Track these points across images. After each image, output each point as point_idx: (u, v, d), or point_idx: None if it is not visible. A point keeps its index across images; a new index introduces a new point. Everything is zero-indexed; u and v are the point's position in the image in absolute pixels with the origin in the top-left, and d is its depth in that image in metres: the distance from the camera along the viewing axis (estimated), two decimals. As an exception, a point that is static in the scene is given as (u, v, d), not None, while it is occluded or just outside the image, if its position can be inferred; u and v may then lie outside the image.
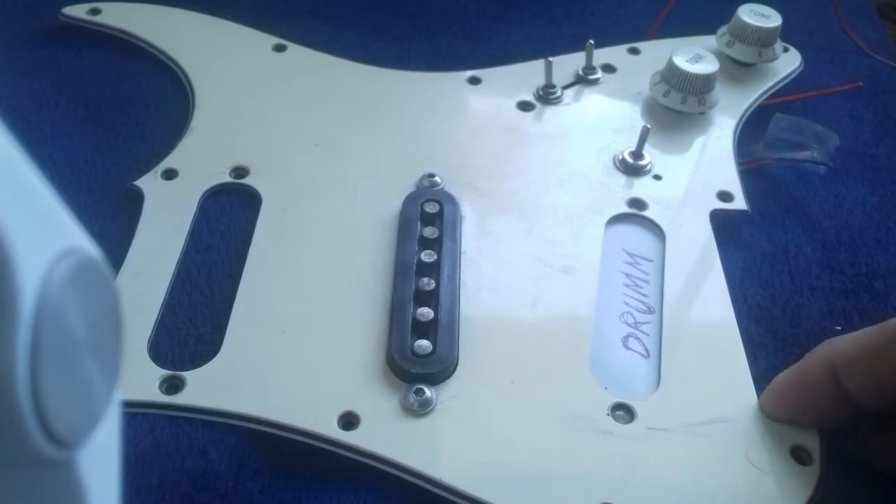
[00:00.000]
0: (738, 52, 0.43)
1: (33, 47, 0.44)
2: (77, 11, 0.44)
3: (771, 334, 0.33)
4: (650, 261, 0.34)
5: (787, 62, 0.44)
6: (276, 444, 0.28)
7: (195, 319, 0.32)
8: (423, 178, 0.36)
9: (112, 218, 0.35)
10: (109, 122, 0.40)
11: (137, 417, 0.28)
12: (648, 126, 0.37)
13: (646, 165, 0.38)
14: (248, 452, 0.28)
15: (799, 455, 0.27)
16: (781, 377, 0.29)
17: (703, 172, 0.38)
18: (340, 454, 0.27)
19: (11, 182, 0.14)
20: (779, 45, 0.43)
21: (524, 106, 0.41)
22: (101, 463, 0.17)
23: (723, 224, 0.36)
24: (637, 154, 0.38)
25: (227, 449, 0.28)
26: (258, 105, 0.40)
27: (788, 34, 0.44)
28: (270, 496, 0.27)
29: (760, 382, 0.30)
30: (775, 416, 0.28)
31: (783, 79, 0.44)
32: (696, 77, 0.39)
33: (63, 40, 0.44)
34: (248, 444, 0.28)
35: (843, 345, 0.27)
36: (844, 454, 0.28)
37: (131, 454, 0.27)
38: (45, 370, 0.14)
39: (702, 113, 0.41)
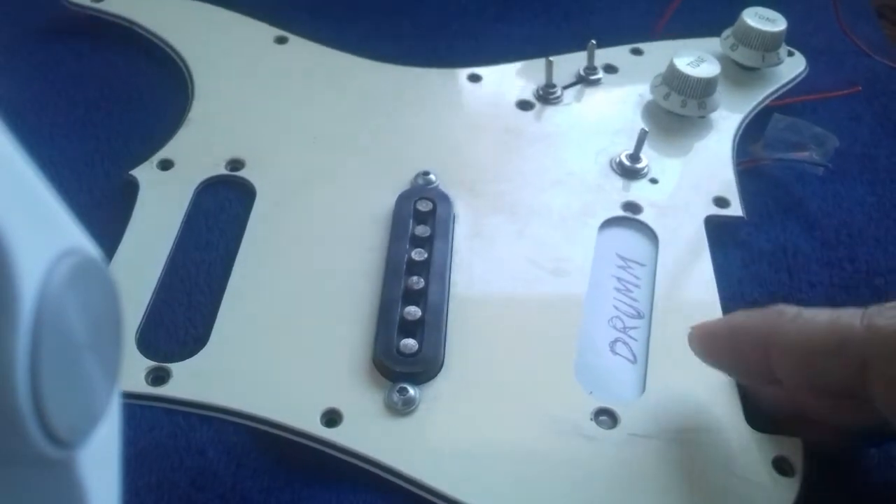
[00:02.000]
0: (742, 55, 0.42)
1: (32, 49, 0.44)
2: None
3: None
4: (642, 265, 0.34)
5: (792, 66, 0.44)
6: (275, 444, 0.28)
7: (194, 319, 0.32)
8: (418, 175, 0.36)
9: (112, 218, 0.35)
10: (109, 122, 0.40)
11: (136, 416, 0.28)
12: (646, 129, 0.37)
13: (643, 169, 0.38)
14: (246, 452, 0.28)
15: (781, 466, 0.27)
16: (721, 324, 0.28)
17: (700, 177, 0.38)
18: (325, 451, 0.28)
19: (12, 183, 0.14)
20: (783, 50, 0.43)
21: (524, 105, 0.41)
22: (100, 462, 0.17)
23: (721, 225, 0.36)
24: (634, 157, 0.38)
25: (225, 448, 0.28)
26: (257, 97, 0.40)
27: (788, 35, 0.44)
28: (269, 496, 0.27)
29: (739, 384, 0.30)
30: (698, 352, 0.28)
31: (787, 83, 0.43)
32: (697, 81, 0.39)
33: (62, 42, 0.44)
34: (246, 444, 0.28)
35: (787, 331, 0.26)
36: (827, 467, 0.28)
37: (130, 454, 0.27)
38: (45, 370, 0.14)
39: (702, 117, 0.40)
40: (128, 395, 0.28)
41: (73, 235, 0.16)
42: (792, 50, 0.44)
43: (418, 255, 0.32)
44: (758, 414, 0.29)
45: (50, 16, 0.44)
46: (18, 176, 0.14)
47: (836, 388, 0.25)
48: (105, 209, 0.36)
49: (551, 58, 0.41)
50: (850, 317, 0.24)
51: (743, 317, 0.28)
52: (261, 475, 0.28)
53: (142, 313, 0.31)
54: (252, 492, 0.27)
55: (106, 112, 0.40)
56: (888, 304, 0.24)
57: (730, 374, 0.29)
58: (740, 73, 0.43)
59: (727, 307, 0.33)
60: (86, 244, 0.16)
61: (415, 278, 0.31)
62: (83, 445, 0.16)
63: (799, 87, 0.44)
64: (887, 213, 0.38)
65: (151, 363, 0.29)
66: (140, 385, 0.29)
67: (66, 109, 0.40)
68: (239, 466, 0.28)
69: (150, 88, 0.42)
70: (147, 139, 0.39)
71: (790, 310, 0.26)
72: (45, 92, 0.41)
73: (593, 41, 0.42)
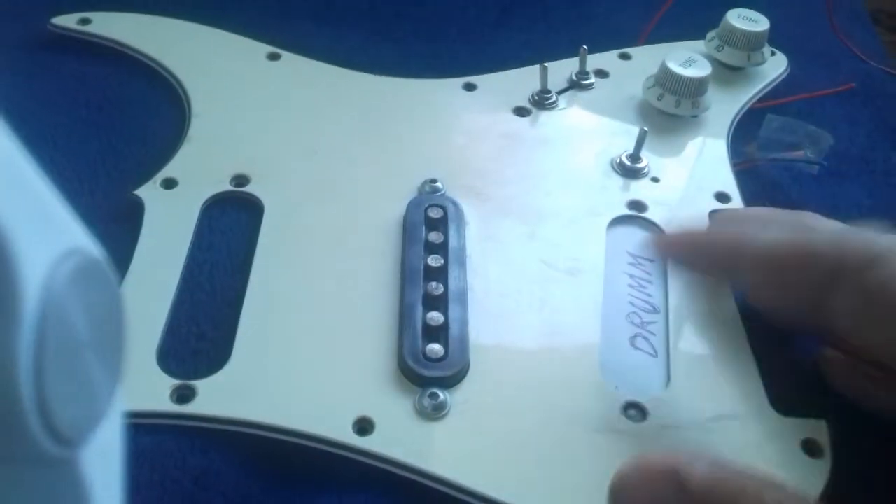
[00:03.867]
0: (728, 56, 0.43)
1: (34, 49, 0.43)
2: (67, 21, 0.43)
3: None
4: (652, 261, 0.35)
5: (775, 66, 0.45)
6: (278, 443, 0.28)
7: (197, 317, 0.31)
8: (424, 183, 0.36)
9: (114, 220, 0.35)
10: (111, 124, 0.40)
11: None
12: (646, 129, 0.38)
13: (643, 168, 0.38)
14: (249, 451, 0.28)
15: (810, 448, 0.28)
16: (691, 238, 0.33)
17: (699, 174, 0.39)
18: (353, 459, 0.27)
19: (15, 183, 0.14)
20: (766, 49, 0.44)
21: (520, 111, 0.41)
22: (103, 460, 0.17)
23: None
24: (635, 157, 0.38)
25: (228, 447, 0.28)
26: (255, 113, 0.40)
27: (783, 40, 0.44)
28: (272, 494, 0.27)
29: (761, 369, 0.30)
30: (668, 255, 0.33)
31: (771, 82, 0.44)
32: (690, 80, 0.40)
33: (64, 42, 0.44)
34: (249, 443, 0.28)
35: (755, 244, 0.29)
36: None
37: (133, 452, 0.27)
38: (48, 369, 0.14)
39: (695, 116, 0.41)
40: (154, 415, 0.28)
41: (76, 235, 0.16)
42: (774, 50, 0.45)
43: (434, 261, 0.32)
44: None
45: (51, 15, 0.44)
46: (21, 176, 0.14)
47: (798, 302, 0.28)
48: (107, 210, 0.35)
49: (545, 64, 0.41)
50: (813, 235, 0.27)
51: (710, 233, 0.31)
52: (263, 473, 0.27)
53: (159, 334, 0.30)
54: (255, 491, 0.27)
55: (108, 113, 0.40)
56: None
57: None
58: (726, 73, 0.44)
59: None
60: (88, 244, 0.16)
61: (433, 284, 0.31)
62: (86, 444, 0.16)
63: (795, 91, 0.44)
64: (884, 216, 0.39)
65: (175, 381, 0.29)
66: (165, 403, 0.28)
67: (69, 111, 0.40)
68: (242, 464, 0.27)
69: (151, 89, 0.41)
70: (149, 142, 0.39)
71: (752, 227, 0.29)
72: (47, 93, 0.41)
73: (584, 47, 0.42)
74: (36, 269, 0.14)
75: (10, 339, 0.13)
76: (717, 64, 0.43)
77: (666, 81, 0.40)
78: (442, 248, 0.33)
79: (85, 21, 0.44)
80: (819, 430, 0.28)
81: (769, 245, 0.28)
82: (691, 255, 0.32)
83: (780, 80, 0.44)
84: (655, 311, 0.33)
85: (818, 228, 0.29)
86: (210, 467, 0.27)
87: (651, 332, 0.32)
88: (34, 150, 0.15)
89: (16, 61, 0.43)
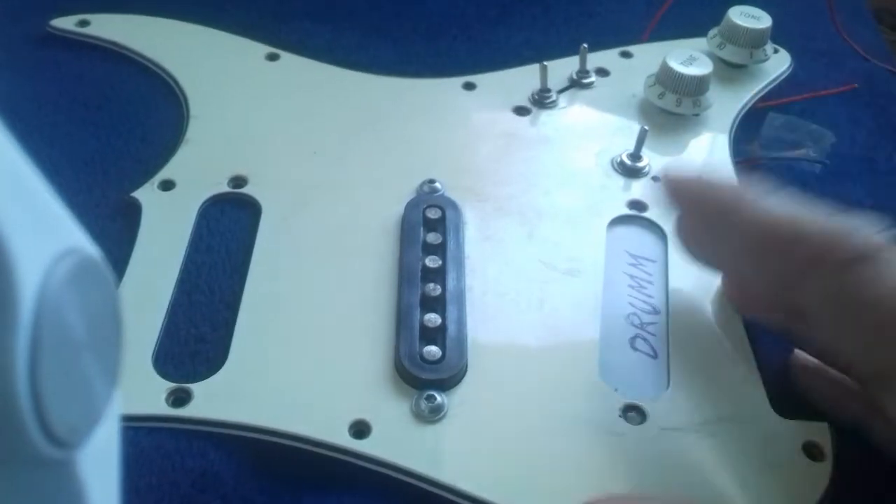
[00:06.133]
0: (730, 53, 0.43)
1: (33, 48, 0.43)
2: (65, 23, 0.43)
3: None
4: (653, 262, 0.34)
5: (778, 63, 0.45)
6: (276, 446, 0.28)
7: (195, 319, 0.31)
8: (423, 183, 0.36)
9: (111, 219, 0.35)
10: (109, 123, 0.40)
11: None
12: (646, 128, 0.38)
13: (644, 167, 0.38)
14: (247, 453, 0.28)
15: (811, 451, 0.28)
16: (693, 178, 0.30)
17: (701, 173, 0.38)
18: (351, 462, 0.27)
19: (12, 182, 0.14)
20: (769, 47, 0.44)
21: (520, 111, 0.41)
22: (100, 463, 0.17)
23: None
24: (635, 156, 0.38)
25: (226, 449, 0.28)
26: (253, 114, 0.40)
27: (786, 38, 0.44)
28: (270, 497, 0.27)
29: (762, 372, 0.30)
30: (665, 192, 0.30)
31: (774, 79, 0.44)
32: (691, 79, 0.40)
33: (63, 41, 0.44)
34: (248, 446, 0.28)
35: (753, 205, 0.28)
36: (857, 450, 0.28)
37: (131, 454, 0.27)
38: (44, 370, 0.14)
39: (696, 114, 0.41)
40: (149, 419, 0.28)
41: (73, 235, 0.16)
42: (777, 47, 0.45)
43: (432, 262, 0.32)
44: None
45: (50, 15, 0.44)
46: (18, 175, 0.14)
47: (773, 281, 0.27)
48: (104, 210, 0.35)
49: (545, 63, 0.41)
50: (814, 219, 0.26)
51: (714, 180, 0.29)
52: (262, 476, 0.27)
53: (156, 337, 0.30)
54: (253, 492, 0.27)
55: (106, 113, 0.40)
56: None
57: (683, 222, 0.30)
58: (729, 70, 0.44)
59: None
60: (85, 244, 0.16)
61: (431, 285, 0.31)
62: (83, 445, 0.16)
63: (797, 90, 0.44)
64: (885, 215, 0.38)
65: (171, 384, 0.29)
66: (161, 407, 0.28)
67: (67, 110, 0.40)
68: (240, 467, 0.27)
69: (150, 89, 0.42)
70: (148, 140, 0.39)
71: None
72: (46, 92, 0.41)
73: (585, 45, 0.42)
74: (32, 268, 0.14)
75: (5, 339, 0.13)
76: (718, 62, 0.43)
77: (667, 80, 0.40)
78: (440, 249, 0.33)
79: (84, 23, 0.44)
80: (822, 433, 0.28)
81: (766, 211, 0.27)
82: (693, 198, 0.30)
83: (783, 77, 0.44)
84: (655, 312, 0.32)
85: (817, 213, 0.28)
86: (209, 469, 0.27)
87: (651, 334, 0.32)
88: (32, 149, 0.15)
89: (15, 61, 0.43)
